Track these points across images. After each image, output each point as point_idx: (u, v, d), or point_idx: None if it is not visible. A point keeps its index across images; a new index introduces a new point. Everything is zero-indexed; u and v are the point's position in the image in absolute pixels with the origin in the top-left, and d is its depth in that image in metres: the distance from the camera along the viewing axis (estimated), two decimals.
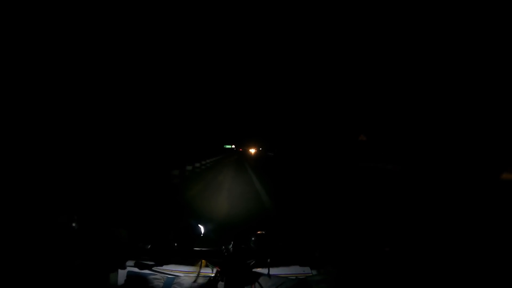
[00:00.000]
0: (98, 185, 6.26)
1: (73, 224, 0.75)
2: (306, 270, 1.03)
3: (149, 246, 0.77)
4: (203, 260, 0.91)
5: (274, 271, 0.99)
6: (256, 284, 0.90)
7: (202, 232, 0.85)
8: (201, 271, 0.93)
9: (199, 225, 0.84)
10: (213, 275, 0.88)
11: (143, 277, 0.90)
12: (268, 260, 0.84)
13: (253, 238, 0.83)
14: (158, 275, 0.92)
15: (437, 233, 3.86)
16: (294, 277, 0.99)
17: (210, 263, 0.90)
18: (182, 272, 0.96)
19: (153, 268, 0.89)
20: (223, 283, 0.84)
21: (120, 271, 0.87)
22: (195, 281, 0.91)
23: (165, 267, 0.93)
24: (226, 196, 6.58)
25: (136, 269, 0.90)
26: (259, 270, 0.90)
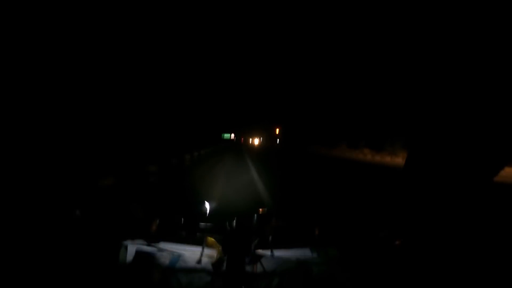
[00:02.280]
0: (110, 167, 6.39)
1: (77, 212, 0.81)
2: (307, 252, 1.08)
3: (155, 223, 0.83)
4: (208, 239, 0.96)
5: (276, 252, 1.06)
6: (258, 264, 0.96)
7: (208, 210, 0.91)
8: (206, 249, 0.99)
9: (205, 203, 0.90)
10: (217, 253, 0.94)
11: (151, 254, 0.96)
12: (270, 239, 0.90)
13: (255, 216, 0.89)
14: (165, 253, 0.98)
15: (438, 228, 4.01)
16: (295, 259, 1.05)
17: (215, 242, 0.96)
18: (187, 251, 1.02)
19: (159, 245, 0.95)
20: (225, 261, 0.91)
21: (129, 247, 0.93)
22: (199, 259, 0.97)
23: (171, 245, 1.00)
24: None
25: (144, 246, 0.96)
26: (261, 251, 0.96)
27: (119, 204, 0.81)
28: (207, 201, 0.91)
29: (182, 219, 0.85)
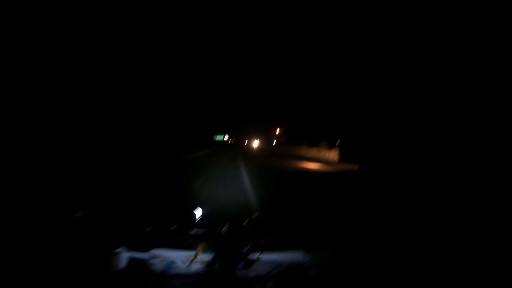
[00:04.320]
0: (104, 172, 6.28)
1: (78, 214, 0.83)
2: (301, 255, 1.12)
3: (148, 229, 0.86)
4: (200, 245, 0.99)
5: (269, 256, 1.09)
6: (251, 268, 0.99)
7: (199, 217, 0.93)
8: (198, 255, 1.02)
9: (197, 210, 0.93)
10: (209, 259, 0.97)
11: (144, 261, 0.99)
12: (261, 243, 0.93)
13: (245, 223, 0.91)
14: (158, 259, 1.01)
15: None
16: (288, 262, 1.08)
17: (207, 248, 0.98)
18: (180, 257, 1.05)
19: (152, 252, 0.97)
20: (219, 267, 0.93)
21: (121, 254, 0.96)
22: (192, 265, 1.00)
23: (163, 251, 1.02)
24: None
25: (137, 253, 0.98)
26: (254, 255, 0.99)
27: (112, 211, 0.83)
28: (199, 207, 0.93)
29: (175, 226, 0.87)
